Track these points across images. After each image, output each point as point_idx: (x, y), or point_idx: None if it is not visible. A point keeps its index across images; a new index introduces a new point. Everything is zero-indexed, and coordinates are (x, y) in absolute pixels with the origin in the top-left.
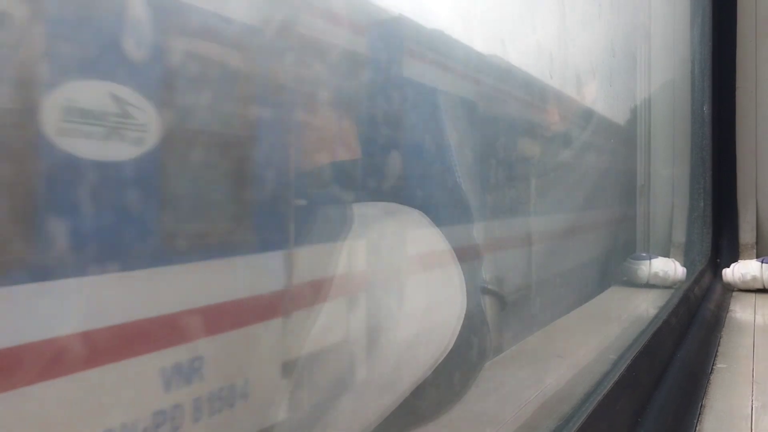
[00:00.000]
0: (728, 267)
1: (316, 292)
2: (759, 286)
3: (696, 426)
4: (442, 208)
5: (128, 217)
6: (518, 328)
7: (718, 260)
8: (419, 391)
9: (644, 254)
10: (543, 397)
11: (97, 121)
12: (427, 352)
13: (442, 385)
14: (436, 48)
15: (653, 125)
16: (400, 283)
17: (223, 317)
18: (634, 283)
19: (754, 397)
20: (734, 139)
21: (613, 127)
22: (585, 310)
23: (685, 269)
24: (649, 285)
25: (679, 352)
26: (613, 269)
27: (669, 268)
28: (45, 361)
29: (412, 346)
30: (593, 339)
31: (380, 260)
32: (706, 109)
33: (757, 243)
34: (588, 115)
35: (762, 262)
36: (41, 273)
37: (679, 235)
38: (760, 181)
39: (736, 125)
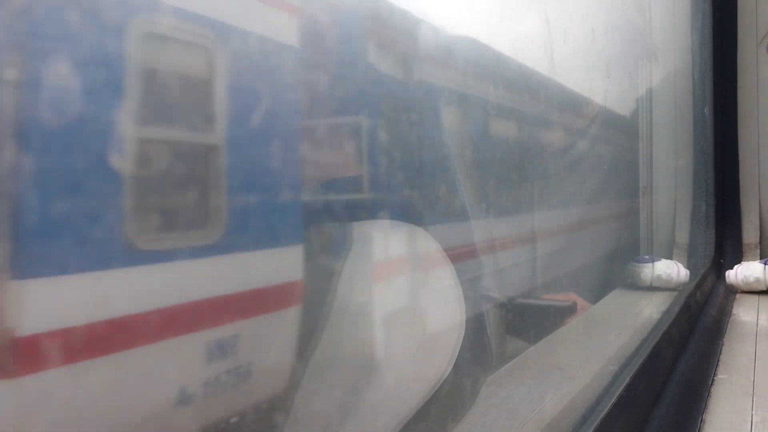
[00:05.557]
0: (731, 269)
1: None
2: (762, 287)
3: None
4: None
5: None
6: None
7: (722, 261)
8: (415, 418)
9: (647, 257)
10: (543, 413)
11: None
12: (424, 378)
13: (436, 410)
14: None
15: (655, 129)
16: (398, 305)
17: None
18: (637, 285)
19: (753, 411)
20: (736, 139)
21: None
22: (587, 314)
23: (688, 271)
24: (652, 287)
25: (680, 364)
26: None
27: (672, 270)
28: None
29: (408, 374)
30: (596, 349)
31: (379, 280)
32: (708, 111)
33: (760, 243)
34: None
35: (765, 264)
36: None
37: (683, 237)
38: (762, 181)
39: (738, 126)
